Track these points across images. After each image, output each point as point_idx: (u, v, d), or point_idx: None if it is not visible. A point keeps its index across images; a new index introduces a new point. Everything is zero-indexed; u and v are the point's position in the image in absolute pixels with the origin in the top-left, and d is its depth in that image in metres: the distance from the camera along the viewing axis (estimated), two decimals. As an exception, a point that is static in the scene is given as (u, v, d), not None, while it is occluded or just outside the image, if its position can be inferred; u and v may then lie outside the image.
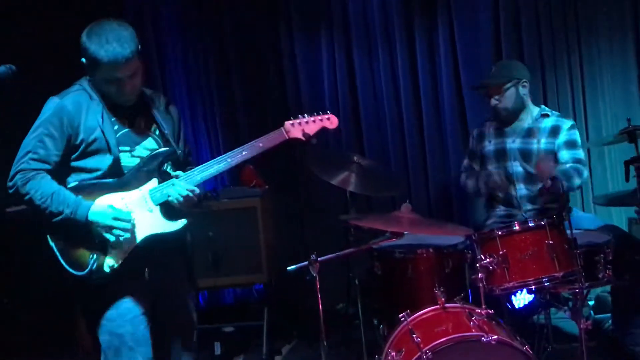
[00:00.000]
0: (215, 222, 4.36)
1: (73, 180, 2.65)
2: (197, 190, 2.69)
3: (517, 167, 3.91)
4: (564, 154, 3.87)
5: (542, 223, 3.05)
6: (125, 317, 2.63)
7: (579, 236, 3.27)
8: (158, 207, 2.67)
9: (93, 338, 2.68)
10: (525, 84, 3.90)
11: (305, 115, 2.86)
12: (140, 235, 2.63)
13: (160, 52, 5.09)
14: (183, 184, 2.65)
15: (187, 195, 2.64)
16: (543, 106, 4.06)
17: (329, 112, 2.94)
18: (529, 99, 3.95)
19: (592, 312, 4.18)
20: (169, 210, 2.68)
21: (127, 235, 2.58)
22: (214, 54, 5.09)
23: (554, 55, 4.57)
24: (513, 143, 3.93)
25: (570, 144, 3.88)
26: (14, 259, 4.37)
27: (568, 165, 3.82)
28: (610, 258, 3.25)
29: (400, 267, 3.39)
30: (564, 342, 3.79)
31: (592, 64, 4.55)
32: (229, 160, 2.73)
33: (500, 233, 3.08)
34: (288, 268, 3.21)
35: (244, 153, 2.74)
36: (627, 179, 3.23)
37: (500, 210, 3.98)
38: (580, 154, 3.89)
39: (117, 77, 2.55)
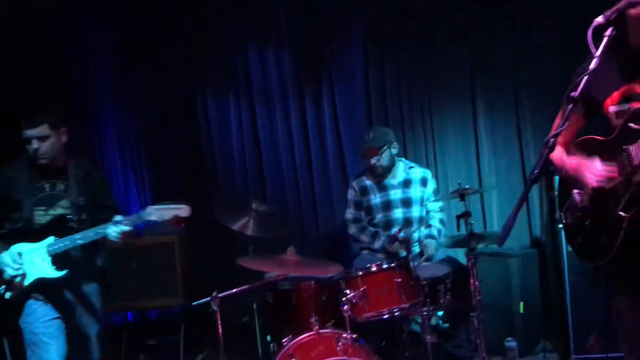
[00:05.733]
0: (139, 254, 4.38)
1: (3, 228, 3.00)
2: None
3: (398, 214, 4.05)
4: (434, 204, 4.11)
5: (393, 265, 3.20)
6: (40, 320, 2.91)
7: (425, 269, 3.50)
8: (50, 257, 2.92)
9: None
10: (395, 146, 4.07)
11: (164, 202, 2.93)
12: (31, 278, 2.92)
13: (96, 119, 5.09)
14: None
15: None
16: (403, 159, 4.24)
17: (185, 202, 2.95)
18: (396, 157, 4.13)
19: (440, 321, 4.39)
20: (56, 261, 2.93)
21: (17, 276, 2.89)
22: (144, 113, 5.09)
23: (411, 121, 4.72)
24: (395, 194, 4.07)
25: (436, 194, 4.14)
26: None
27: (438, 213, 4.09)
28: (450, 286, 3.48)
29: (286, 297, 3.42)
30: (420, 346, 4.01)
31: (441, 129, 4.69)
32: (90, 234, 2.91)
33: (360, 273, 3.19)
34: (193, 303, 3.27)
35: (98, 231, 2.90)
36: (458, 229, 3.46)
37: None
38: (441, 201, 4.15)
39: (28, 135, 2.93)
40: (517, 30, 4.42)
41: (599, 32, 1.92)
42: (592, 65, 1.89)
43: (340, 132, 4.85)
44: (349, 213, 4.18)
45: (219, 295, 3.20)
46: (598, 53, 1.89)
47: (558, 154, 2.20)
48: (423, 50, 4.66)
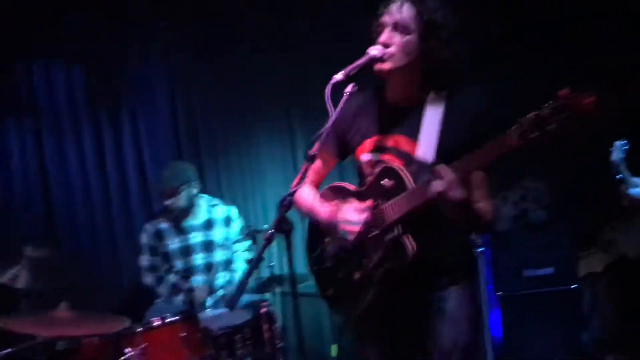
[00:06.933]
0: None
1: None
2: None
3: (198, 260, 3.71)
4: (240, 244, 3.80)
5: (177, 318, 2.94)
6: None
7: (222, 319, 3.28)
8: None
9: None
10: (195, 185, 3.73)
11: None
12: None
13: None
14: None
15: None
16: (207, 196, 3.89)
17: None
18: (197, 196, 3.78)
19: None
20: None
21: None
22: None
23: (226, 154, 4.56)
24: (195, 238, 3.73)
25: (242, 232, 3.83)
26: None
27: (244, 253, 3.77)
28: (250, 335, 3.24)
29: (62, 359, 3.06)
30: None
31: (259, 162, 4.62)
32: None
33: (140, 329, 2.89)
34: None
35: None
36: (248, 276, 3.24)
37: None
38: (249, 240, 3.84)
39: None
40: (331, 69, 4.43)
41: (339, 88, 1.93)
42: (329, 123, 1.88)
43: (145, 164, 4.45)
44: (144, 260, 3.78)
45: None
46: (336, 113, 1.88)
47: (308, 196, 2.13)
48: (237, 82, 4.52)
